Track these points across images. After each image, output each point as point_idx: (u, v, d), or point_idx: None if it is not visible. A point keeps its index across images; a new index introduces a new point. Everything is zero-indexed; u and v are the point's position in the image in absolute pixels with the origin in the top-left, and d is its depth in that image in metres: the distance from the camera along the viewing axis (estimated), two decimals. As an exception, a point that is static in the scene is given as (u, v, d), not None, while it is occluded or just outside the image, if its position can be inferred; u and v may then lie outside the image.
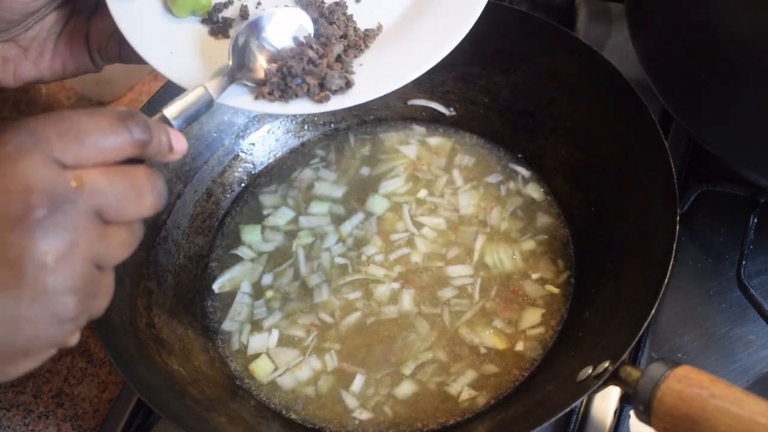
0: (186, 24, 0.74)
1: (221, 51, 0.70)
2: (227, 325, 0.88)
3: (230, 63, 0.67)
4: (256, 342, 0.87)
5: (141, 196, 0.50)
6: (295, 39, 0.70)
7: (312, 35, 0.71)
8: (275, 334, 0.87)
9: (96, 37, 0.77)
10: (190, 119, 0.60)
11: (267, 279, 0.91)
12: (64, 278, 0.46)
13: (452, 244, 0.91)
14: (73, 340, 0.51)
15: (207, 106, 0.62)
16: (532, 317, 0.85)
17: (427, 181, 0.97)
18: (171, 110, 0.59)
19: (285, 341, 0.86)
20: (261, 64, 0.68)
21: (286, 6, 0.73)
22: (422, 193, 0.96)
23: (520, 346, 0.83)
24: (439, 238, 0.92)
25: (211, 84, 0.63)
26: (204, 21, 0.74)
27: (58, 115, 0.48)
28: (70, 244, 0.46)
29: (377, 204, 0.95)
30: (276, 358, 0.85)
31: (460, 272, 0.89)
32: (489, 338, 0.84)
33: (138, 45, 0.70)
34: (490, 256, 0.90)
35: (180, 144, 0.55)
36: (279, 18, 0.70)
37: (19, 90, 1.15)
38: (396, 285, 0.88)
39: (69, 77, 0.80)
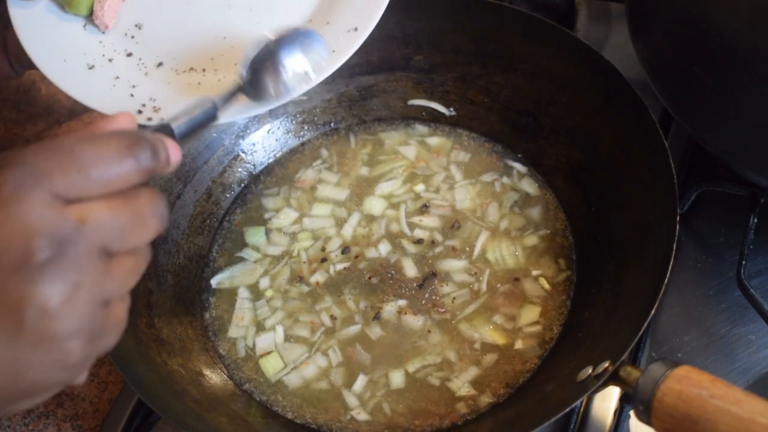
0: (80, 33, 0.74)
1: (112, 63, 0.71)
2: (233, 332, 0.88)
3: (242, 80, 0.65)
4: (264, 342, 0.87)
5: (144, 223, 0.47)
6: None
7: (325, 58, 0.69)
8: (280, 331, 0.87)
9: (13, 44, 0.77)
10: (192, 131, 0.58)
11: (265, 280, 0.91)
12: (68, 323, 0.44)
13: (453, 239, 0.91)
14: (80, 379, 0.49)
15: (210, 120, 0.60)
16: (530, 314, 0.85)
17: (425, 177, 0.97)
18: (177, 122, 0.56)
19: (290, 338, 0.87)
20: (272, 83, 0.66)
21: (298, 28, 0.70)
22: (419, 188, 0.96)
23: (519, 344, 0.83)
24: (438, 234, 0.92)
25: (219, 99, 0.61)
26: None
27: (59, 145, 0.44)
28: (74, 287, 0.43)
29: (375, 205, 0.95)
30: (285, 354, 0.85)
31: (460, 267, 0.89)
32: (489, 334, 0.84)
33: (33, 54, 0.71)
34: (492, 253, 0.90)
35: (177, 156, 0.52)
36: (297, 42, 0.68)
37: (19, 90, 1.15)
38: (402, 302, 0.87)
39: None
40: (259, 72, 0.66)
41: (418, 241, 0.91)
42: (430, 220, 0.93)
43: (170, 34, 0.74)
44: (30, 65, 0.79)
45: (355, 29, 0.70)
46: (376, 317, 0.86)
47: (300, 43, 0.67)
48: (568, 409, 0.68)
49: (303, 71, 0.67)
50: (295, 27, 0.69)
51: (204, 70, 0.72)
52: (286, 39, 0.67)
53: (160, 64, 0.72)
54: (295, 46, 0.67)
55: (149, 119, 0.67)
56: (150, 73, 0.71)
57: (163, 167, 0.50)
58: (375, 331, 0.86)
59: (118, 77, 0.70)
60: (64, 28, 0.73)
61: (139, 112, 0.68)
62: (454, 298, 0.87)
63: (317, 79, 0.69)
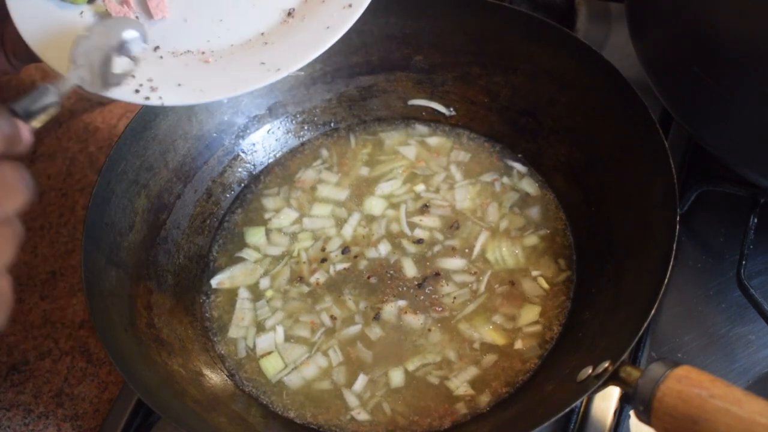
0: (78, 20, 0.74)
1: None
2: (233, 332, 0.88)
3: (71, 67, 0.67)
4: (264, 342, 0.87)
5: (11, 191, 0.48)
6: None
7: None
8: (280, 331, 0.87)
9: (10, 39, 0.77)
10: (35, 115, 0.60)
11: (265, 280, 0.91)
12: None
13: (453, 239, 0.91)
14: None
15: (52, 104, 0.62)
16: (530, 314, 0.85)
17: (425, 177, 0.97)
18: (20, 105, 0.59)
19: (291, 338, 0.87)
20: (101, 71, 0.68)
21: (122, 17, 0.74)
22: (419, 188, 0.96)
23: (519, 344, 0.83)
24: (438, 234, 0.92)
25: (57, 85, 0.63)
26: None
27: None
28: None
29: (375, 205, 0.95)
30: (285, 354, 0.86)
31: (459, 267, 0.89)
32: (488, 333, 0.84)
33: (33, 43, 0.71)
34: (492, 253, 0.90)
35: (28, 136, 0.54)
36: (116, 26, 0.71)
37: (19, 90, 1.15)
38: (402, 302, 0.87)
39: None
40: (89, 61, 0.67)
41: (418, 241, 0.91)
42: (430, 220, 0.93)
43: (168, 17, 0.76)
44: (27, 60, 0.79)
45: (350, 6, 0.73)
46: (376, 317, 0.86)
47: (120, 31, 0.70)
48: (568, 409, 0.68)
49: (128, 59, 0.70)
50: (115, 18, 0.73)
51: (203, 53, 0.73)
52: (108, 29, 0.70)
53: (157, 47, 0.73)
54: (117, 34, 0.69)
55: (147, 98, 0.69)
56: (148, 56, 0.72)
57: (19, 141, 0.52)
58: (375, 332, 0.86)
59: None
60: (62, 16, 0.74)
61: (136, 91, 0.69)
62: (454, 298, 0.87)
63: (285, 63, 0.70)
